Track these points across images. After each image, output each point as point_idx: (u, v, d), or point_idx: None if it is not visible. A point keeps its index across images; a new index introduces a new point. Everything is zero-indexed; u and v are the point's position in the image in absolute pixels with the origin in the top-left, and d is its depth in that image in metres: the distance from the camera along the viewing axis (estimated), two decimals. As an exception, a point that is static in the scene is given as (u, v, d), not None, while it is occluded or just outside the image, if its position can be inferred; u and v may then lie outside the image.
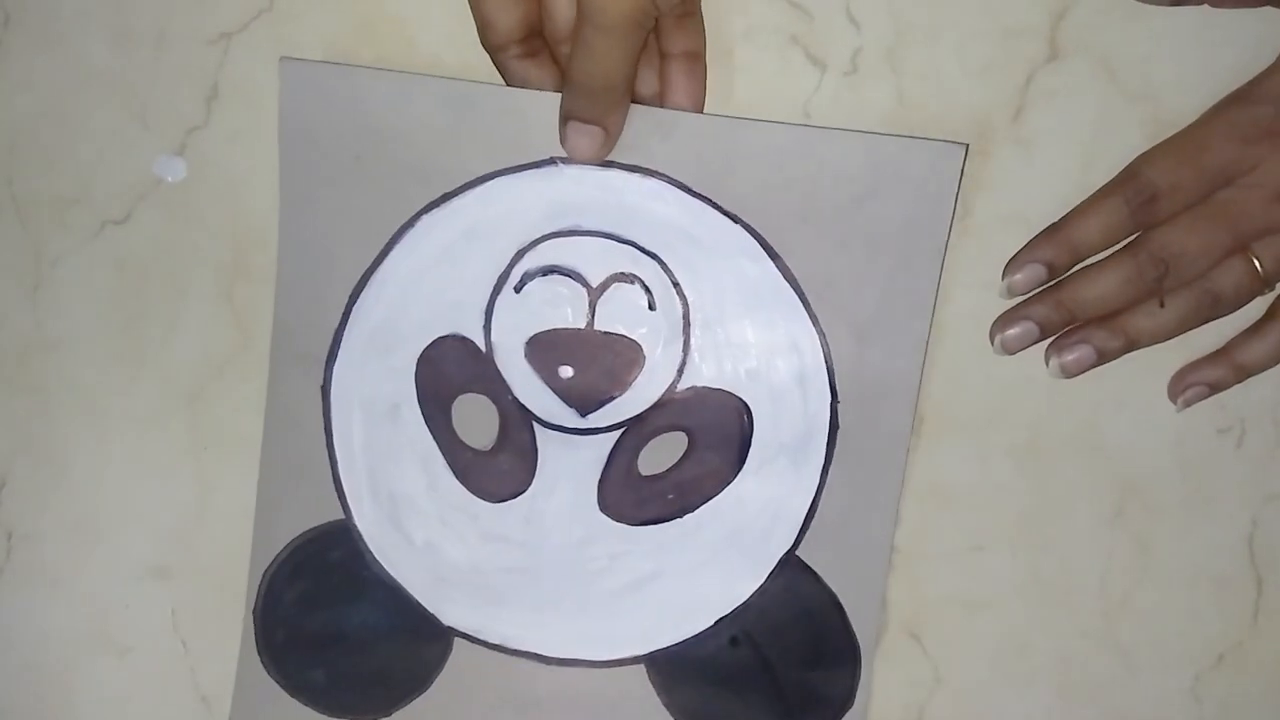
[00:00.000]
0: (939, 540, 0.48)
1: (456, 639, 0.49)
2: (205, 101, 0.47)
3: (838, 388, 0.47)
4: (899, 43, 0.46)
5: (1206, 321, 0.46)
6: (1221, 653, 0.49)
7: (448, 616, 0.49)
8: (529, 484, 0.48)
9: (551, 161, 0.46)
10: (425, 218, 0.46)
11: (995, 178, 0.46)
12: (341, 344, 0.47)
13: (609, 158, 0.45)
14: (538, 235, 0.46)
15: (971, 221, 0.46)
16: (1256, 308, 0.46)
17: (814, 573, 0.47)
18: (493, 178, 0.46)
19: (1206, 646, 0.49)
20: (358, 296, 0.47)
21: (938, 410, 0.48)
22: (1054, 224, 0.46)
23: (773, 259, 0.46)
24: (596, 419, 0.47)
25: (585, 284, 0.46)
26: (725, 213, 0.46)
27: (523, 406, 0.47)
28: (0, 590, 0.50)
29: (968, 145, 0.45)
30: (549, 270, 0.47)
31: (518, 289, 0.47)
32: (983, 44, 0.45)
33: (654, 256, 0.46)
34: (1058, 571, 0.48)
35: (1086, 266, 0.46)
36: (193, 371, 0.49)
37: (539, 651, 0.49)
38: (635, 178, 0.46)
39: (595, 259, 0.46)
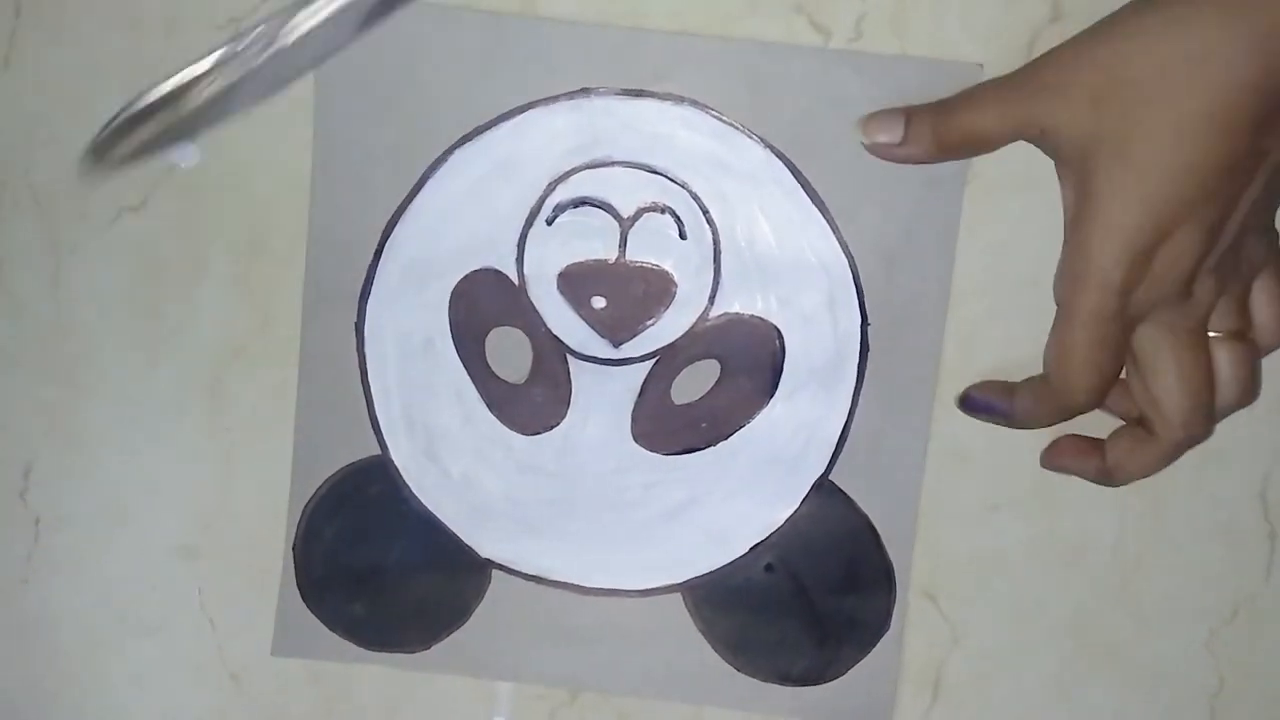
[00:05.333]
0: (955, 501, 0.49)
1: (494, 570, 0.49)
2: None
3: (868, 311, 0.47)
4: (903, 8, 0.46)
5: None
6: (1236, 606, 0.49)
7: (485, 548, 0.49)
8: (563, 415, 0.48)
9: (584, 91, 0.47)
10: (458, 152, 0.47)
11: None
12: (375, 280, 0.48)
13: (641, 86, 0.46)
14: (569, 167, 0.47)
15: (978, 184, 0.47)
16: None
17: (847, 497, 0.48)
18: (525, 110, 0.47)
19: (1220, 601, 0.49)
20: (391, 232, 0.48)
21: (952, 372, 0.48)
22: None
23: (801, 184, 0.47)
24: (629, 349, 0.48)
25: (616, 215, 0.47)
26: (755, 138, 0.47)
27: (556, 338, 0.48)
28: (28, 574, 0.50)
29: (983, 64, 0.46)
30: (580, 202, 0.47)
31: (549, 221, 0.47)
32: (986, 7, 0.46)
33: (684, 186, 0.47)
34: (1073, 530, 0.49)
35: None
36: (213, 354, 0.49)
37: (576, 581, 0.49)
38: (667, 106, 0.46)
39: (626, 190, 0.47)
